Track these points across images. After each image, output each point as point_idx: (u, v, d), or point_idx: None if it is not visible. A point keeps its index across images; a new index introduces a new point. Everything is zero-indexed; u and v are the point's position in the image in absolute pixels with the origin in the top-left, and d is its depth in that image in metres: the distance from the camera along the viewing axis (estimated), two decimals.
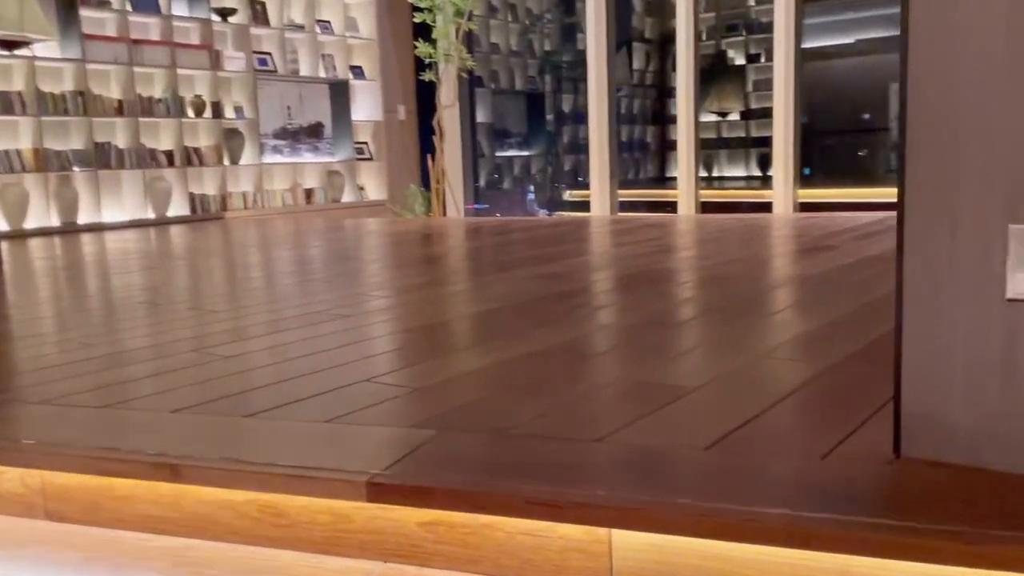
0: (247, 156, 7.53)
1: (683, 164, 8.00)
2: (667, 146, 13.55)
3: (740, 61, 13.12)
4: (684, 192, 8.02)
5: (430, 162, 7.89)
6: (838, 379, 1.52)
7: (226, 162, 7.36)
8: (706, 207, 8.45)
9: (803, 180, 7.94)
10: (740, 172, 13.25)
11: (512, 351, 1.82)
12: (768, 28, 13.01)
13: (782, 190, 7.47)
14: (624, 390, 1.51)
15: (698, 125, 8.13)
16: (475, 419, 1.36)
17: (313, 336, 2.08)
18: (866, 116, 12.94)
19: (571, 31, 12.34)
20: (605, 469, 1.12)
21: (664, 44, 13.69)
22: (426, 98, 8.09)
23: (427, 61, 7.44)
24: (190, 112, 7.09)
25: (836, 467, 1.11)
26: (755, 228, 4.80)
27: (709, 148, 13.21)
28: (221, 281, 3.51)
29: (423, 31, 7.55)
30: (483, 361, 1.74)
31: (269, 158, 7.73)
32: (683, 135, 7.95)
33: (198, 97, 7.13)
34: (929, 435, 1.09)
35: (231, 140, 7.39)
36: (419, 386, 1.58)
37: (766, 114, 12.96)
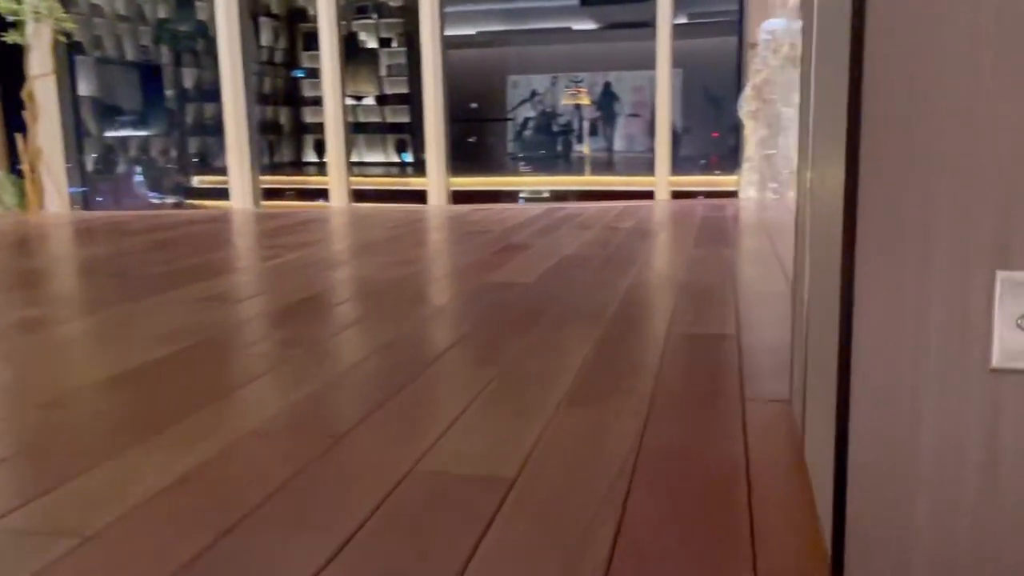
0: None
1: (333, 150, 7.51)
2: (302, 129, 12.88)
3: (372, 44, 12.89)
4: (335, 180, 7.54)
5: (20, 143, 6.43)
6: (669, 438, 1.23)
7: None
8: (358, 195, 8.06)
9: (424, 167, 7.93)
10: (379, 158, 13.07)
11: (225, 432, 1.26)
12: (397, 12, 12.95)
13: (436, 179, 7.35)
14: (420, 495, 1.06)
15: (345, 108, 7.69)
16: None
17: None
18: (474, 105, 13.49)
19: None
20: None
21: (292, 20, 12.95)
22: (11, 65, 6.54)
23: (10, 19, 6.01)
24: None
25: None
26: (426, 223, 4.52)
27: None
28: None
29: None
30: (185, 460, 1.17)
31: None
32: (331, 118, 7.45)
33: None
34: (885, 552, 0.82)
35: None
36: (88, 533, 0.97)
37: (402, 100, 12.94)
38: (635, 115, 14.69)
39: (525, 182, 10.16)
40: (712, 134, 13.29)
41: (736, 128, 13.27)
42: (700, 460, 1.16)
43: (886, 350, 0.80)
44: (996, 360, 0.77)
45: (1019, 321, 0.76)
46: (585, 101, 14.58)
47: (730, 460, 1.15)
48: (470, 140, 13.71)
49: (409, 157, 13.00)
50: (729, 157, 12.69)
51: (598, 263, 2.82)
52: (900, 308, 0.79)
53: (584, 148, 14.01)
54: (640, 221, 4.13)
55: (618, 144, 15.96)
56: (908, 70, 0.76)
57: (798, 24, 5.14)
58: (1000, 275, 0.76)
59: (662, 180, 6.95)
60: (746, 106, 5.28)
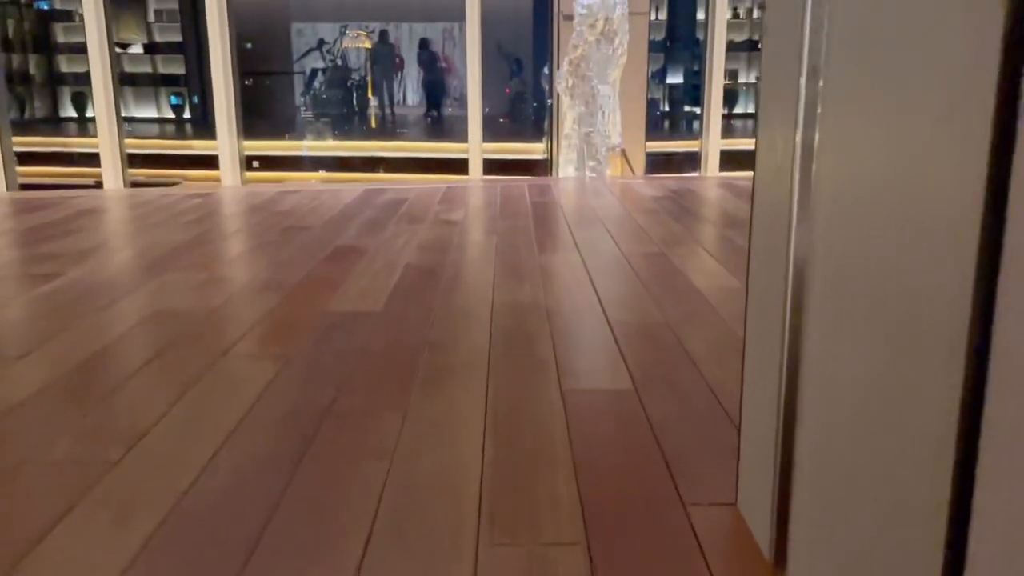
0: None
1: (101, 104, 6.56)
2: (57, 79, 11.30)
3: None
4: (106, 144, 6.62)
5: None
6: None
7: None
8: (132, 160, 7.13)
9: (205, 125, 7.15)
10: (151, 113, 11.80)
11: None
12: None
13: (227, 143, 6.66)
14: None
15: (115, 57, 6.72)
16: None
17: None
18: (248, 45, 12.37)
19: None
20: None
21: None
22: None
23: None
24: None
25: None
26: (228, 213, 4.02)
27: None
28: None
29: None
30: None
31: None
32: (97, 68, 6.49)
33: None
34: None
35: None
36: None
37: (174, 49, 11.69)
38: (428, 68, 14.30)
39: (322, 147, 9.48)
40: (505, 89, 13.25)
41: (525, 83, 13.21)
42: None
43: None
44: None
45: None
46: (367, 44, 14.04)
47: None
48: (246, 83, 12.55)
49: (184, 110, 11.85)
50: (521, 116, 12.72)
51: (449, 278, 2.57)
52: None
53: (372, 103, 13.51)
54: (471, 211, 3.90)
55: (412, 99, 15.54)
56: None
57: None
58: None
59: (475, 150, 6.71)
60: (563, 82, 5.16)
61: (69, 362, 1.83)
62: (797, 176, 0.94)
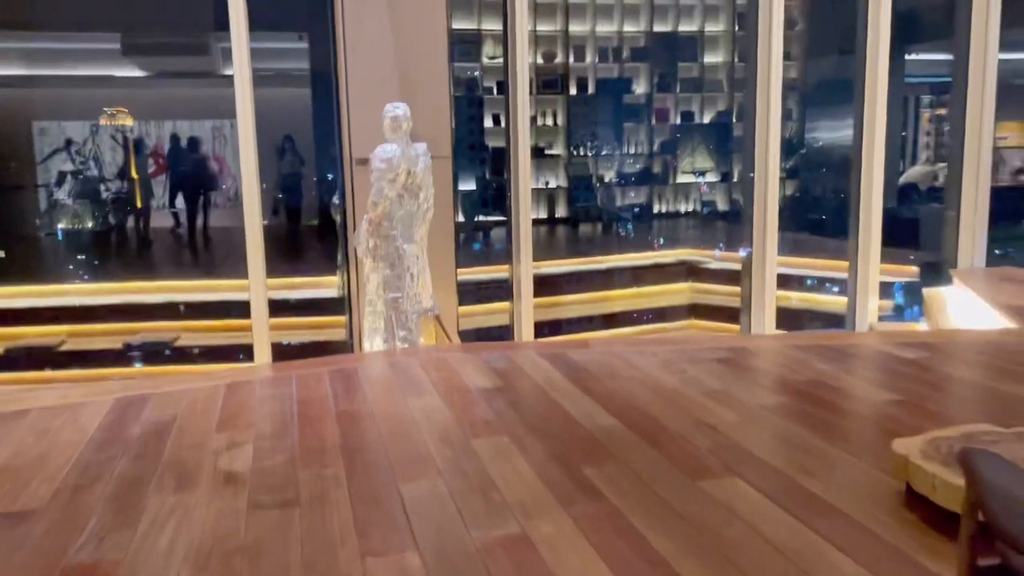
0: None
1: None
2: None
3: None
4: None
5: None
6: None
7: None
8: None
9: None
10: None
11: None
12: None
13: None
14: None
15: None
16: None
17: None
18: None
19: None
20: None
21: None
22: None
23: None
24: None
25: None
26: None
27: None
28: None
29: None
30: None
31: None
32: None
33: None
34: None
35: None
36: None
37: None
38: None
39: (75, 291, 7.97)
40: (277, 195, 12.33)
41: (299, 177, 12.41)
42: None
43: None
44: None
45: None
46: (128, 121, 12.77)
47: None
48: None
49: None
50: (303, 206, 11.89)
51: None
52: None
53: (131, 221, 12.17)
54: (259, 444, 3.06)
55: (179, 205, 14.19)
56: None
57: (415, 148, 4.50)
58: None
59: (258, 289, 5.76)
60: (364, 243, 4.48)
61: None
62: None
